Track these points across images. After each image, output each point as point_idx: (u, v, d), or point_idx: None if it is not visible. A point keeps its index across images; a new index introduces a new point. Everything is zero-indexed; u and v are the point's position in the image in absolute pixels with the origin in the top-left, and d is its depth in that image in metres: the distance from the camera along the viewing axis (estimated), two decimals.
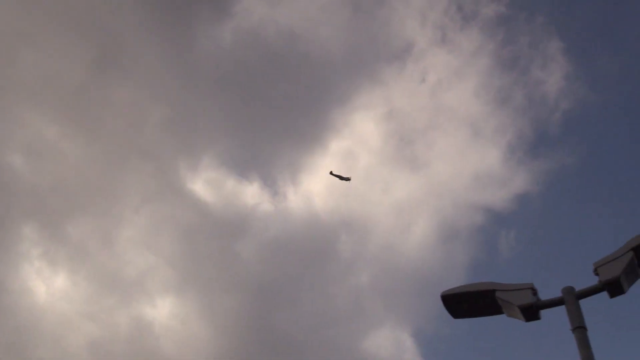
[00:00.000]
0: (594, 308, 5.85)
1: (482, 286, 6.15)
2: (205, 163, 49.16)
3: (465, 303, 6.24)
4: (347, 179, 34.21)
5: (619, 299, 5.45)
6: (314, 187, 54.78)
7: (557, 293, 5.85)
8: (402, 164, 52.10)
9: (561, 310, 5.67)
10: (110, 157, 45.79)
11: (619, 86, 45.98)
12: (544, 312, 5.79)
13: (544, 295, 5.92)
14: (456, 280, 40.31)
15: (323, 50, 51.21)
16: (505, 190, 45.91)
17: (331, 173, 34.63)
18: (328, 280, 45.32)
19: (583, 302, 5.61)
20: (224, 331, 39.09)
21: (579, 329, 5.37)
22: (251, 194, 51.19)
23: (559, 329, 5.79)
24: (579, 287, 5.71)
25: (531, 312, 5.75)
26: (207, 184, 46.96)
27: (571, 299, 5.54)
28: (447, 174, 48.46)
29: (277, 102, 49.41)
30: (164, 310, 41.08)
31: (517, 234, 43.37)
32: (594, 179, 46.56)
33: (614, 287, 5.39)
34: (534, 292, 5.81)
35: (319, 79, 50.71)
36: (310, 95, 52.56)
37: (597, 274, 5.50)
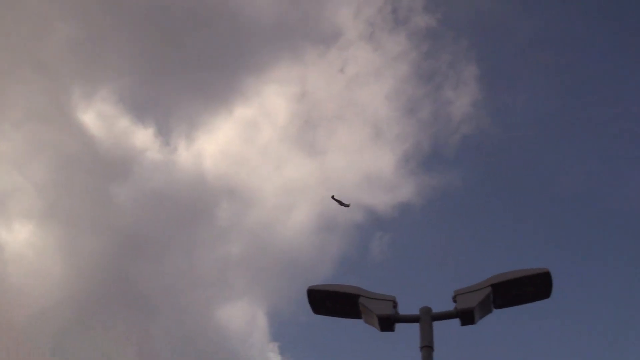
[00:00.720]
0: (445, 329, 6.15)
1: (349, 289, 6.27)
2: (102, 95, 46.24)
3: (328, 301, 6.35)
4: (347, 205, 34.08)
5: (468, 327, 5.76)
6: (208, 148, 53.67)
7: (413, 306, 6.12)
8: (300, 147, 52.51)
9: (415, 326, 5.91)
10: (1, 62, 41.96)
11: (520, 123, 49.08)
12: (398, 325, 6.01)
13: (402, 308, 6.17)
14: (323, 270, 41.36)
15: (252, 15, 50.04)
16: (391, 196, 47.63)
17: (333, 197, 34.18)
18: (198, 243, 44.76)
19: (436, 323, 5.88)
20: (79, 272, 37.39)
21: (427, 348, 5.63)
22: (142, 138, 49.04)
23: (408, 344, 6.04)
24: (435, 307, 6.00)
25: (388, 323, 5.95)
26: (99, 117, 44.26)
27: (427, 319, 5.79)
28: (340, 167, 49.32)
29: (192, 53, 47.61)
30: (20, 236, 38.47)
31: (391, 240, 45.17)
32: (476, 206, 49.50)
33: (467, 317, 5.70)
34: (395, 305, 6.02)
35: (241, 42, 49.50)
36: (228, 55, 51.18)
37: (455, 301, 5.79)
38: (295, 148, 52.25)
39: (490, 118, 48.05)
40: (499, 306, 5.82)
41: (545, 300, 5.72)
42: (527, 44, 50.42)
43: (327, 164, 49.50)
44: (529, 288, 5.69)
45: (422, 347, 5.66)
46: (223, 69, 52.55)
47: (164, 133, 50.18)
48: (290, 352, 42.31)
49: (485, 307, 5.74)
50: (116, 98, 47.01)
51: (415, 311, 6.02)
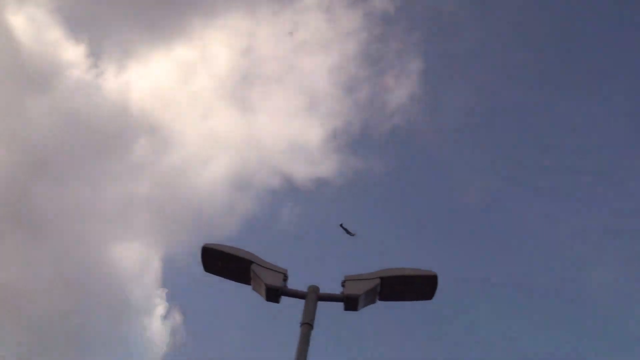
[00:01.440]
0: (327, 310, 6.25)
1: (243, 254, 6.24)
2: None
3: (221, 262, 6.29)
4: (353, 235, 33.71)
5: (350, 313, 5.88)
6: (138, 80, 51.68)
7: (305, 281, 6.19)
8: (233, 101, 51.51)
9: (300, 302, 5.96)
10: None
11: (449, 125, 50.39)
12: (285, 299, 6.05)
13: (293, 281, 6.21)
14: (227, 228, 41.16)
15: None
16: (311, 169, 47.94)
17: (341, 225, 33.63)
18: (107, 175, 43.25)
19: (321, 303, 5.95)
20: None
21: (307, 325, 5.69)
22: (71, 55, 46.50)
23: (291, 317, 6.10)
24: (325, 288, 6.09)
25: (275, 294, 5.97)
26: (29, 22, 41.30)
27: (312, 297, 5.86)
28: (267, 130, 49.01)
29: None
30: None
31: (302, 212, 45.59)
32: (391, 196, 50.69)
33: (351, 303, 5.82)
34: (285, 278, 6.05)
35: None
36: None
37: (343, 286, 5.89)
38: (228, 101, 51.33)
39: (423, 114, 49.15)
40: (384, 299, 5.98)
41: (427, 302, 5.94)
42: (475, 47, 51.63)
43: (256, 124, 49.00)
44: (415, 287, 5.88)
45: (302, 324, 5.72)
46: (172, 4, 50.42)
47: (96, 54, 47.90)
48: (177, 301, 42.02)
49: (370, 297, 5.88)
50: (52, 6, 44.09)
51: (304, 287, 6.08)
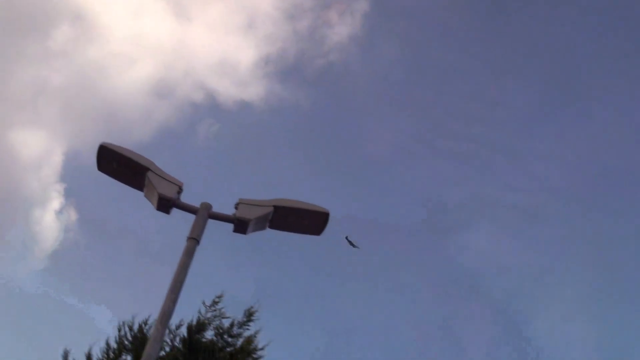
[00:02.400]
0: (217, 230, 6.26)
1: (142, 160, 6.07)
2: None
3: (117, 163, 6.10)
4: (357, 247, 32.85)
5: (238, 235, 5.93)
6: None
7: (200, 199, 6.14)
8: (170, 4, 48.85)
9: (190, 217, 5.93)
10: None
11: (381, 72, 50.52)
12: (175, 211, 5.98)
13: (188, 197, 6.14)
14: (139, 134, 39.74)
15: None
16: (236, 90, 46.65)
17: (346, 238, 32.70)
18: (20, 56, 40.24)
19: (211, 221, 5.94)
20: None
21: (193, 240, 5.68)
22: None
23: (177, 229, 6.07)
24: (220, 208, 6.07)
25: (166, 205, 5.89)
26: None
27: (204, 214, 5.83)
28: (199, 41, 47.00)
29: None
30: None
31: (219, 132, 44.68)
32: (309, 133, 50.64)
33: (241, 225, 5.85)
34: (180, 191, 5.97)
35: None
36: None
37: (236, 208, 5.90)
38: (164, 3, 48.61)
39: (357, 57, 48.87)
40: (274, 227, 6.06)
41: (314, 237, 6.08)
42: (423, 3, 51.52)
43: (189, 33, 46.86)
44: (306, 221, 5.98)
45: (189, 238, 5.71)
46: None
47: None
48: (74, 198, 40.67)
49: (261, 223, 5.94)
50: None
51: (198, 203, 6.04)
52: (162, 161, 6.37)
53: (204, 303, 9.75)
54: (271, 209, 5.86)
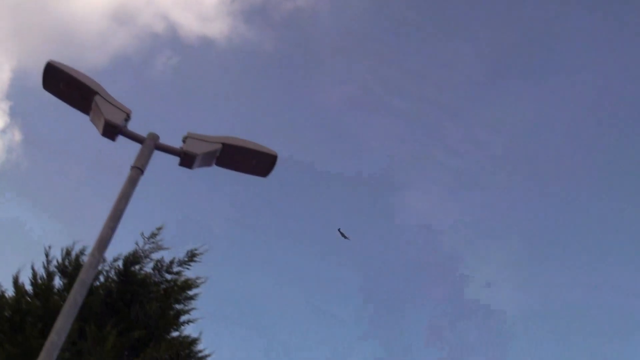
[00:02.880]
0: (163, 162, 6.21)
1: (91, 82, 5.91)
2: None
3: (64, 84, 5.92)
4: (347, 238, 35.64)
5: (184, 169, 5.91)
6: None
7: (146, 129, 6.04)
8: None
9: (136, 146, 5.85)
10: None
11: (347, 23, 49.92)
12: (121, 139, 5.89)
13: (137, 126, 6.04)
14: (94, 58, 38.29)
15: None
16: (200, 24, 45.20)
17: (339, 230, 35.61)
18: None
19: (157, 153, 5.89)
20: None
21: (137, 169, 5.63)
22: None
23: (123, 158, 5.99)
24: (166, 139, 6.01)
25: (112, 131, 5.78)
26: None
27: (150, 144, 5.77)
28: None
29: None
30: None
31: (177, 65, 43.47)
32: (269, 78, 49.91)
33: (188, 159, 5.83)
34: (127, 118, 5.87)
35: None
36: None
37: (183, 142, 5.86)
38: None
39: (327, 6, 48.07)
40: (220, 165, 6.06)
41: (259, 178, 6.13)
42: None
43: None
44: (254, 161, 6.01)
45: (133, 167, 5.66)
46: None
47: None
48: (20, 118, 39.07)
49: (208, 159, 5.93)
50: None
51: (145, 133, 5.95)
52: (114, 88, 6.21)
53: (142, 234, 9.68)
54: (219, 145, 5.85)
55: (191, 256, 9.95)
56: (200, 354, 9.37)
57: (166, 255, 10.09)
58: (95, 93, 5.86)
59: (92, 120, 5.97)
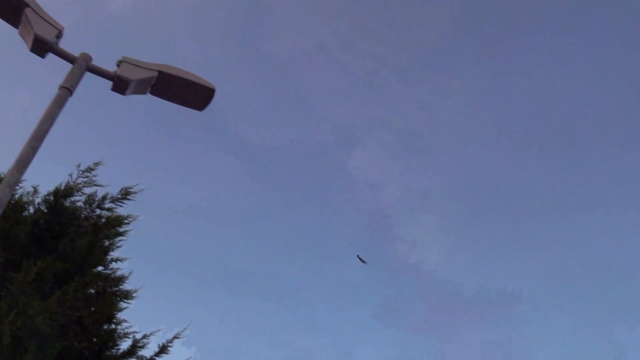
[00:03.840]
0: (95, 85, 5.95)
1: None
2: None
3: None
4: (365, 263, 38.21)
5: (115, 95, 5.68)
6: None
7: (79, 49, 5.76)
8: None
9: (67, 66, 5.58)
10: None
11: None
12: (51, 56, 5.60)
13: (70, 45, 5.74)
14: None
15: None
16: None
17: (358, 256, 38.18)
18: None
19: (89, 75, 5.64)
20: None
21: (66, 89, 5.38)
22: None
23: (53, 78, 5.71)
24: (100, 62, 5.74)
25: (41, 48, 5.48)
26: None
27: (82, 65, 5.51)
28: None
29: None
30: None
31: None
32: (230, 15, 48.77)
33: (121, 85, 5.60)
34: (59, 35, 5.57)
35: None
36: None
37: (118, 66, 5.62)
38: None
39: None
40: (156, 94, 5.86)
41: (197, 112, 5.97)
42: None
43: None
44: (190, 93, 5.83)
45: (61, 87, 5.40)
46: None
47: None
48: None
49: (142, 87, 5.72)
50: None
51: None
52: (49, 2, 5.89)
53: (78, 166, 9.37)
54: (155, 73, 5.64)
55: (125, 194, 9.72)
56: (129, 292, 9.25)
57: (101, 192, 9.85)
58: (27, 5, 5.53)
59: (21, 35, 5.64)
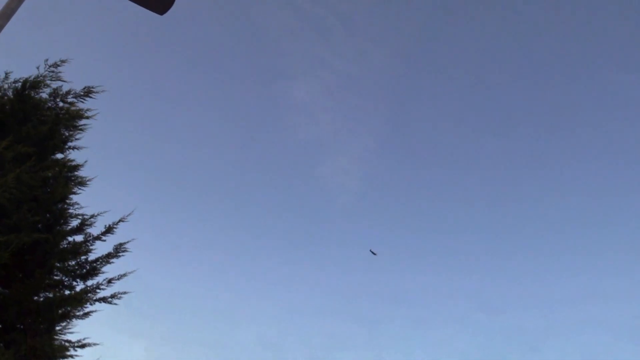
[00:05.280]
0: None
1: None
2: None
3: None
4: (375, 254, 41.71)
5: None
6: None
7: None
8: None
9: None
10: None
11: None
12: None
13: None
14: None
15: None
16: None
17: (370, 250, 41.96)
18: None
19: None
20: None
21: None
22: None
23: None
24: None
25: None
26: None
27: None
28: None
29: None
30: None
31: None
32: None
33: None
34: None
35: None
36: None
37: None
38: None
39: None
40: None
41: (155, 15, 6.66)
42: None
43: None
44: None
45: None
46: None
47: None
48: None
49: None
50: None
51: None
52: None
53: (45, 61, 10.10)
54: None
55: (87, 92, 10.50)
56: (83, 179, 10.23)
57: (66, 88, 10.61)
58: None
59: None
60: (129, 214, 9.61)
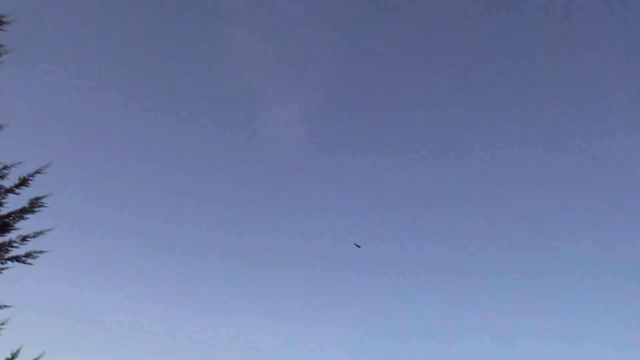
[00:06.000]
0: None
1: None
2: None
3: None
4: (359, 247, 42.39)
5: None
6: None
7: None
8: None
9: None
10: None
11: None
12: None
13: None
14: None
15: None
16: None
17: (355, 244, 42.03)
18: None
19: None
20: None
21: None
22: None
23: None
24: None
25: None
26: None
27: None
28: None
29: None
30: None
31: None
32: None
33: None
34: None
35: None
36: None
37: None
38: None
39: None
40: None
41: None
42: None
43: None
44: None
45: None
46: None
47: None
48: None
49: None
50: None
51: None
52: None
53: None
54: None
55: None
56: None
57: None
58: None
59: None
60: (47, 165, 8.70)
